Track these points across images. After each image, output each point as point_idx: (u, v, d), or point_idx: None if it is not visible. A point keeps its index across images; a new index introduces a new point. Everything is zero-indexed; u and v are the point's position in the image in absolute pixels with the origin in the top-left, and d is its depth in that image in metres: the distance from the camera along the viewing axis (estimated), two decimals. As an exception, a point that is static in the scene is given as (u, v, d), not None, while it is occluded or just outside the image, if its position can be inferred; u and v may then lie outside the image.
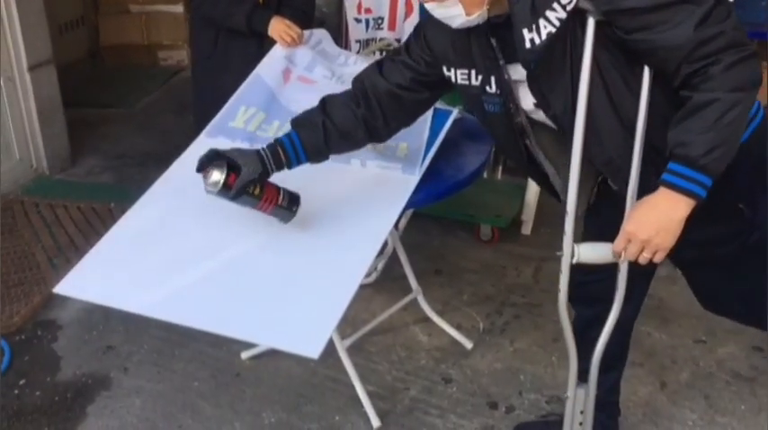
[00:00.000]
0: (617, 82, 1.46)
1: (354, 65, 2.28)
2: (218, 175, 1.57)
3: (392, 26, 3.37)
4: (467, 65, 1.58)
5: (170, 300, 1.58)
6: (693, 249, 1.54)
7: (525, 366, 2.41)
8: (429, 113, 1.99)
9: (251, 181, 1.59)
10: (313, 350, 1.44)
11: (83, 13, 5.28)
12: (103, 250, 1.74)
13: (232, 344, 2.50)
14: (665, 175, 1.39)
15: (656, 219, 1.39)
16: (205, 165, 1.61)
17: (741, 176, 1.48)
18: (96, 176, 3.79)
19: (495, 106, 1.59)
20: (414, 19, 3.34)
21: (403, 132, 1.89)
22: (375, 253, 1.69)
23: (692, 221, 1.40)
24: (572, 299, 1.69)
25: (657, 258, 1.43)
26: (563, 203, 1.56)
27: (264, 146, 1.67)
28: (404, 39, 3.35)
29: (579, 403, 1.76)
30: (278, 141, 1.67)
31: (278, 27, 2.33)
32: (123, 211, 1.86)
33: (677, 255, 1.51)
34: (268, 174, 1.64)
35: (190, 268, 1.64)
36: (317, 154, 1.71)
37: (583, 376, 1.77)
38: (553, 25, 1.40)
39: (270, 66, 2.24)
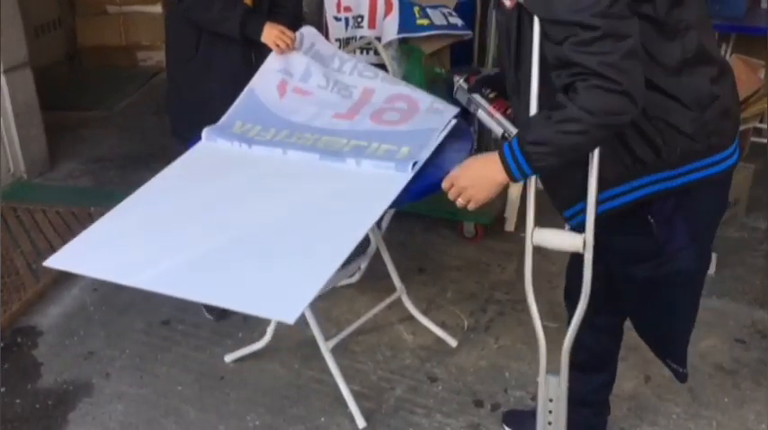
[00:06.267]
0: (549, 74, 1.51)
1: (350, 75, 2.27)
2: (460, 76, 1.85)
3: (372, 24, 3.34)
4: None
5: (155, 275, 1.62)
6: (616, 257, 1.64)
7: (510, 363, 2.41)
8: (440, 128, 2.01)
9: (487, 79, 1.79)
10: (289, 315, 1.46)
11: (59, 14, 5.20)
12: (98, 229, 1.78)
13: (215, 348, 2.49)
14: (505, 143, 1.49)
15: (479, 174, 1.55)
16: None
17: (669, 199, 1.52)
18: (75, 180, 3.75)
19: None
20: (393, 17, 3.32)
21: (407, 137, 1.96)
22: (362, 234, 1.71)
23: (610, 226, 1.54)
24: (566, 297, 1.78)
25: (471, 207, 1.58)
26: None
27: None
28: (384, 37, 3.36)
29: (551, 391, 1.77)
30: None
31: (272, 33, 2.28)
32: (103, 215, 1.85)
33: (606, 260, 1.61)
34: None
35: (178, 248, 1.68)
36: None
37: (571, 366, 1.83)
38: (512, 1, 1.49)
39: (264, 81, 2.24)
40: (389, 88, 2.22)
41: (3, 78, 3.46)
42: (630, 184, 1.52)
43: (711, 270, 2.80)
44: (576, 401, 1.99)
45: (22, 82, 3.59)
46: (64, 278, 2.83)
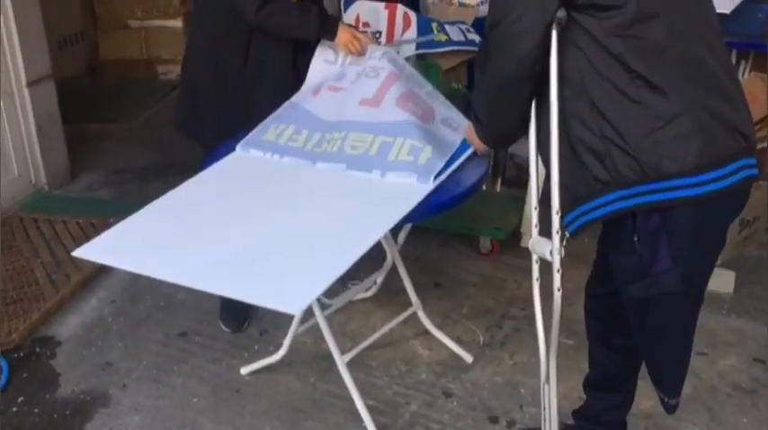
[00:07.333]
0: None
1: (379, 59, 2.27)
2: None
3: (390, 40, 3.37)
4: None
5: (170, 264, 1.68)
6: (616, 275, 1.65)
7: (526, 379, 2.40)
8: (457, 144, 2.08)
9: None
10: (294, 307, 1.54)
11: (82, 28, 5.29)
12: (126, 226, 1.85)
13: (232, 360, 2.50)
14: None
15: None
16: None
17: (652, 217, 1.50)
18: (95, 191, 3.79)
19: None
20: (412, 32, 3.35)
21: (430, 135, 2.03)
22: (377, 238, 1.77)
23: (608, 242, 1.64)
24: (586, 311, 1.86)
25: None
26: None
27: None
28: (401, 53, 3.38)
29: (545, 398, 1.80)
30: None
31: (345, 36, 2.30)
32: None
33: (612, 276, 1.67)
34: None
35: (196, 246, 1.75)
36: None
37: (587, 383, 1.97)
38: None
39: (302, 92, 2.34)
40: (412, 85, 2.25)
41: (26, 91, 3.52)
42: (601, 200, 1.51)
43: (729, 289, 2.79)
44: (592, 419, 1.99)
45: (45, 94, 3.65)
46: (83, 289, 2.86)
